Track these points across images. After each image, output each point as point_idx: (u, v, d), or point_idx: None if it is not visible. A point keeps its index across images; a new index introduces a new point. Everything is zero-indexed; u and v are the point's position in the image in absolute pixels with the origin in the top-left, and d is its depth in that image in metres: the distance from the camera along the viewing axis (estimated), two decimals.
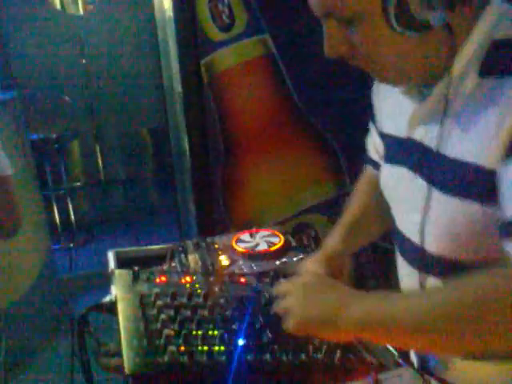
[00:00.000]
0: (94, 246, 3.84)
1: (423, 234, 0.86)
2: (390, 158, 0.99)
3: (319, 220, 2.05)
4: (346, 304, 0.78)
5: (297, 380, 0.86)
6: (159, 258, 1.28)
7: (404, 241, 0.95)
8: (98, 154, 4.59)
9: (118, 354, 0.86)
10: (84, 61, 4.33)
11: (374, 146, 1.13)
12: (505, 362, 0.85)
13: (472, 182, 0.77)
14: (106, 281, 3.38)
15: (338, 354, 0.88)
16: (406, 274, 0.97)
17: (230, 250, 1.28)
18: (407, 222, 0.94)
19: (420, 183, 0.87)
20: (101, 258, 3.58)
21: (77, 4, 4.33)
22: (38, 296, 2.68)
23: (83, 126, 4.37)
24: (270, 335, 0.90)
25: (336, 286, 0.85)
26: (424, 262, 0.89)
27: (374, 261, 1.84)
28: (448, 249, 0.84)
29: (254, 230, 1.35)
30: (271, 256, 1.24)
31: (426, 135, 0.86)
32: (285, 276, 1.08)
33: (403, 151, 0.93)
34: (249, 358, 0.85)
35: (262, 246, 1.27)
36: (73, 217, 3.94)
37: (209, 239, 1.34)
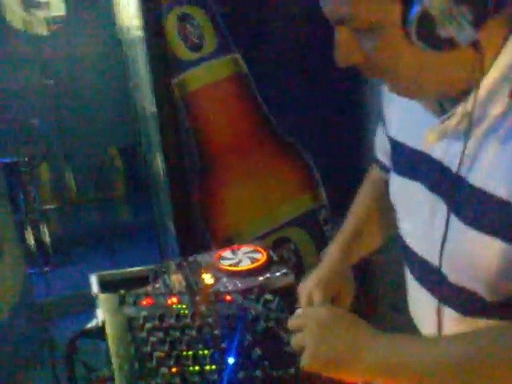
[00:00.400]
0: (69, 268, 3.79)
1: (441, 259, 0.81)
2: (403, 169, 0.93)
3: (298, 233, 2.08)
4: (360, 347, 0.76)
5: None
6: (142, 280, 1.27)
7: (418, 261, 0.90)
8: (70, 175, 4.56)
9: (110, 379, 0.87)
10: (51, 81, 4.31)
11: (383, 147, 1.07)
12: None
13: (495, 217, 0.70)
14: (84, 303, 3.33)
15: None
16: (419, 298, 0.92)
17: (213, 268, 1.28)
18: (424, 243, 0.87)
19: (440, 206, 0.81)
20: (77, 280, 3.54)
21: (41, 24, 4.31)
22: (17, 322, 2.65)
23: (53, 147, 4.34)
24: (259, 352, 0.92)
25: (351, 323, 0.81)
26: (442, 288, 0.83)
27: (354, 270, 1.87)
28: (467, 281, 0.79)
29: (236, 246, 1.36)
30: (255, 272, 1.25)
31: (447, 155, 0.79)
32: (270, 292, 1.10)
33: (419, 166, 0.86)
34: (240, 375, 0.87)
35: (245, 263, 1.28)
36: (48, 239, 3.89)
37: (191, 258, 1.35)
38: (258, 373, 0.87)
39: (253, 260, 1.29)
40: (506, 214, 0.69)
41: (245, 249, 1.35)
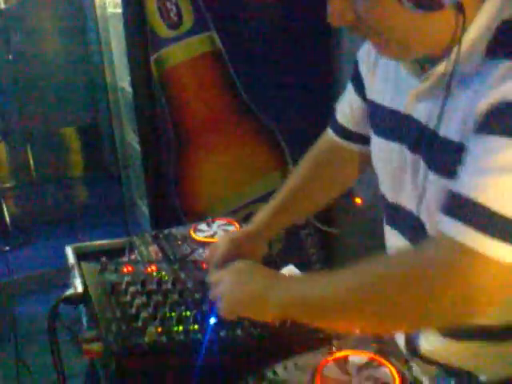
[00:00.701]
0: (30, 247, 3.73)
1: (420, 210, 0.86)
2: (383, 130, 0.97)
3: None
4: (271, 286, 0.83)
5: (266, 350, 0.93)
6: (117, 251, 1.30)
7: (402, 214, 0.94)
8: (29, 154, 4.47)
9: (98, 339, 0.90)
10: (10, 57, 4.19)
11: (350, 109, 1.11)
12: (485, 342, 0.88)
13: (457, 162, 0.74)
14: (44, 283, 3.30)
15: (304, 327, 0.96)
16: (399, 246, 0.97)
17: (188, 240, 1.32)
18: (408, 198, 0.91)
19: (420, 164, 0.85)
20: (39, 259, 3.48)
21: None
22: None
23: (12, 125, 4.23)
24: None
25: (262, 269, 0.89)
26: (421, 236, 0.87)
27: (319, 246, 1.96)
28: None
29: (210, 219, 1.41)
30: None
31: (426, 114, 0.83)
32: None
33: (400, 127, 0.90)
34: (222, 334, 0.92)
35: (220, 234, 1.32)
36: (7, 219, 3.82)
37: (166, 231, 1.38)
38: (239, 331, 0.93)
39: (227, 232, 1.33)
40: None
41: (219, 222, 1.40)
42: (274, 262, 1.18)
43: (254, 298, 0.84)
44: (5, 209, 3.83)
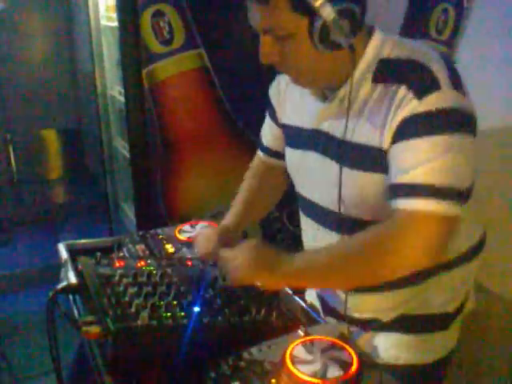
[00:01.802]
0: (11, 247, 3.75)
1: (340, 203, 1.09)
2: (296, 144, 1.23)
3: None
4: (281, 256, 1.03)
5: (244, 336, 1.04)
6: (106, 249, 1.38)
7: (321, 210, 1.19)
8: (11, 155, 4.49)
9: (96, 322, 1.01)
10: None
11: (271, 135, 1.38)
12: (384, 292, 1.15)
13: (373, 159, 1.03)
14: (27, 280, 3.34)
15: (274, 314, 1.09)
16: (321, 236, 1.21)
17: (173, 240, 1.41)
18: (324, 195, 1.16)
19: (329, 163, 1.12)
20: (20, 258, 3.52)
21: None
22: None
23: None
24: (219, 302, 1.09)
25: (268, 246, 1.08)
26: (341, 224, 1.13)
27: (284, 242, 2.16)
28: (360, 211, 1.10)
29: (193, 221, 1.50)
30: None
31: (333, 127, 1.10)
32: None
33: (310, 139, 1.16)
34: (205, 320, 1.03)
35: None
36: None
37: (152, 231, 1.46)
38: (220, 319, 1.05)
39: (206, 228, 1.44)
40: (379, 156, 1.01)
41: (202, 224, 1.49)
42: None
43: (267, 265, 1.02)
44: None
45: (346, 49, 0.98)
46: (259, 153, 1.45)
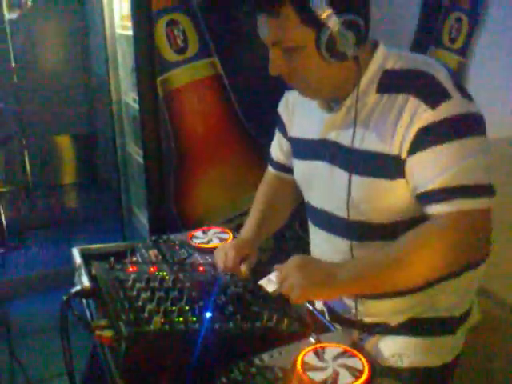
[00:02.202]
0: (25, 250, 3.76)
1: (349, 209, 1.12)
2: (304, 155, 1.26)
3: None
4: (333, 271, 1.04)
5: (255, 342, 1.04)
6: (120, 254, 1.39)
7: (330, 218, 1.20)
8: (26, 160, 4.55)
9: (109, 326, 1.03)
10: (13, 65, 4.29)
11: (280, 150, 1.41)
12: (396, 298, 1.16)
13: (381, 165, 1.06)
14: (40, 283, 3.35)
15: (286, 321, 1.09)
16: (331, 242, 1.23)
17: (186, 245, 1.42)
18: (333, 202, 1.18)
19: (338, 171, 1.14)
20: (33, 262, 3.55)
21: (0, 5, 4.25)
22: None
23: (12, 131, 4.32)
24: (231, 309, 1.09)
25: (318, 260, 1.11)
26: (350, 230, 1.15)
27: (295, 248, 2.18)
28: (368, 216, 1.12)
29: (206, 227, 1.52)
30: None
31: (340, 136, 1.13)
32: None
33: (318, 149, 1.19)
34: (216, 325, 1.04)
35: (215, 241, 1.44)
36: (4, 222, 3.88)
37: (165, 237, 1.48)
38: (231, 324, 1.06)
39: (221, 239, 1.45)
40: (387, 162, 1.05)
41: (214, 230, 1.50)
42: (264, 268, 1.28)
43: (324, 280, 1.03)
44: (1, 212, 3.89)
45: (351, 60, 1.03)
46: (269, 167, 1.49)
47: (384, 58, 1.09)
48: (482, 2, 2.10)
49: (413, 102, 1.02)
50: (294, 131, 1.31)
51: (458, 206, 0.99)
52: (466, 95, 1.03)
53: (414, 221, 1.07)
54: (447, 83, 1.02)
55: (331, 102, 1.16)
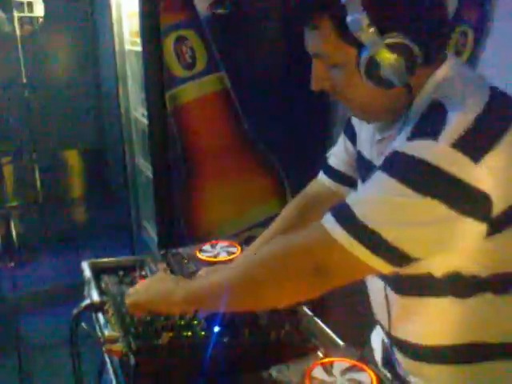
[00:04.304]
0: (33, 265, 3.80)
1: None
2: (362, 175, 1.12)
3: None
4: (174, 288, 1.02)
5: (263, 356, 1.05)
6: (129, 268, 1.40)
7: None
8: (36, 174, 4.59)
9: (119, 341, 1.04)
10: (24, 80, 4.35)
11: (344, 155, 1.24)
12: (454, 365, 0.99)
13: None
14: (50, 298, 3.36)
15: (294, 335, 1.09)
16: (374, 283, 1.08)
17: (194, 259, 1.43)
18: None
19: None
20: (43, 276, 3.56)
21: (12, 23, 4.32)
22: None
23: (22, 146, 4.37)
24: (240, 323, 1.09)
25: (167, 277, 1.11)
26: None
27: None
28: None
29: (214, 241, 1.52)
30: (231, 263, 1.37)
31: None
32: None
33: (370, 170, 1.02)
34: (225, 339, 1.05)
35: (223, 255, 1.44)
36: (14, 236, 3.91)
37: (174, 250, 1.48)
38: (240, 339, 1.06)
39: (229, 253, 1.45)
40: None
41: (222, 243, 1.51)
42: None
43: (161, 294, 1.03)
44: (12, 226, 3.92)
45: (400, 86, 0.88)
46: (321, 175, 1.31)
47: (441, 82, 0.90)
48: (488, 15, 2.11)
49: (406, 132, 0.88)
50: (361, 145, 1.15)
51: (326, 219, 0.87)
52: (468, 151, 0.78)
53: None
54: (454, 126, 0.80)
55: (387, 125, 1.01)
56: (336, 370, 0.96)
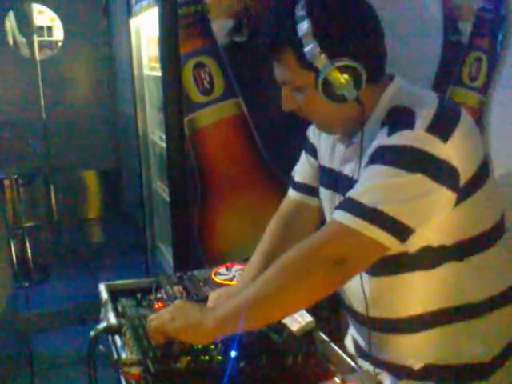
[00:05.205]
0: (48, 285, 3.82)
1: None
2: (327, 184, 1.28)
3: None
4: (203, 313, 1.03)
5: (280, 382, 1.05)
6: (145, 290, 1.42)
7: None
8: (52, 195, 4.65)
9: (136, 364, 1.04)
10: (42, 103, 4.45)
11: (307, 172, 1.39)
12: (427, 331, 1.12)
13: None
14: (65, 318, 3.36)
15: (311, 361, 1.09)
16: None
17: (210, 282, 1.44)
18: None
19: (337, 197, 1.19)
20: (57, 296, 3.57)
21: (32, 47, 4.44)
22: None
23: (41, 167, 4.44)
24: (256, 348, 1.10)
25: (196, 305, 1.11)
26: None
27: None
28: None
29: (229, 264, 1.53)
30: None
31: (352, 170, 1.14)
32: None
33: (337, 181, 1.21)
34: (242, 364, 1.05)
35: (238, 278, 1.44)
36: (29, 256, 3.94)
37: (189, 273, 1.50)
38: (257, 364, 1.06)
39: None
40: None
41: (237, 267, 1.52)
42: None
43: (190, 323, 1.02)
44: (27, 246, 3.96)
45: (352, 101, 1.05)
46: (290, 193, 1.45)
47: (394, 95, 1.09)
48: (501, 41, 2.14)
49: (383, 132, 1.03)
50: (321, 159, 1.32)
51: (336, 214, 1.00)
52: (437, 134, 0.98)
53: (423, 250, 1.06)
54: (422, 117, 0.99)
55: (348, 136, 1.17)
56: None
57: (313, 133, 1.37)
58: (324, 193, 1.30)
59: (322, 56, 1.01)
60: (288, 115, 1.16)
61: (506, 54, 2.02)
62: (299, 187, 1.42)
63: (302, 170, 1.42)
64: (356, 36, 1.04)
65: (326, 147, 1.28)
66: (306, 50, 1.01)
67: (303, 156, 1.42)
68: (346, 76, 1.02)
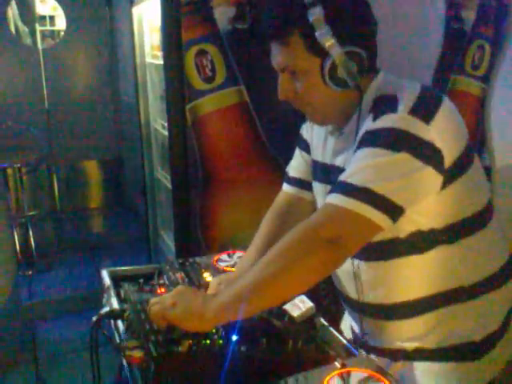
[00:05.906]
0: (51, 273, 3.84)
1: None
2: (319, 178, 1.31)
3: None
4: (205, 300, 1.03)
5: (281, 366, 1.05)
6: (147, 276, 1.43)
7: None
8: (55, 184, 4.66)
9: (138, 347, 1.05)
10: (45, 92, 4.45)
11: (301, 167, 1.42)
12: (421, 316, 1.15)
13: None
14: (67, 306, 3.38)
15: (311, 345, 1.10)
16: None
17: (211, 268, 1.45)
18: None
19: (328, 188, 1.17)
20: (60, 285, 3.60)
21: (34, 35, 4.43)
22: (2, 322, 2.67)
23: (44, 156, 4.44)
24: (257, 332, 1.11)
25: (197, 291, 1.11)
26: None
27: (327, 280, 2.13)
28: None
29: (231, 251, 1.54)
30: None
31: (344, 161, 1.16)
32: None
33: (329, 174, 1.23)
34: (242, 349, 1.06)
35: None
36: (32, 245, 3.96)
37: (191, 259, 1.50)
38: (257, 348, 1.07)
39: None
40: None
41: (239, 253, 1.53)
42: None
43: (192, 313, 1.01)
44: (30, 235, 3.98)
45: (353, 88, 1.09)
46: (284, 188, 1.48)
47: (380, 85, 1.13)
48: (504, 30, 2.12)
49: (368, 120, 1.07)
50: (314, 154, 1.35)
51: (328, 198, 1.03)
52: (419, 116, 1.02)
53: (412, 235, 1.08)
54: (404, 101, 1.03)
55: (340, 129, 1.20)
56: (353, 381, 0.96)
57: (306, 130, 1.40)
58: (317, 187, 1.33)
59: (333, 41, 1.04)
60: (290, 104, 1.17)
61: (510, 43, 2.01)
62: (294, 182, 1.45)
63: (296, 165, 1.45)
64: (362, 24, 1.09)
65: (318, 142, 1.31)
66: (317, 34, 1.04)
67: (297, 152, 1.45)
68: (352, 62, 1.05)
